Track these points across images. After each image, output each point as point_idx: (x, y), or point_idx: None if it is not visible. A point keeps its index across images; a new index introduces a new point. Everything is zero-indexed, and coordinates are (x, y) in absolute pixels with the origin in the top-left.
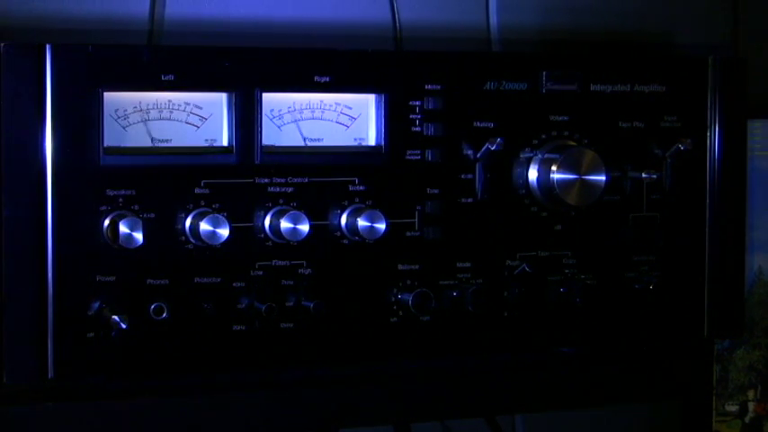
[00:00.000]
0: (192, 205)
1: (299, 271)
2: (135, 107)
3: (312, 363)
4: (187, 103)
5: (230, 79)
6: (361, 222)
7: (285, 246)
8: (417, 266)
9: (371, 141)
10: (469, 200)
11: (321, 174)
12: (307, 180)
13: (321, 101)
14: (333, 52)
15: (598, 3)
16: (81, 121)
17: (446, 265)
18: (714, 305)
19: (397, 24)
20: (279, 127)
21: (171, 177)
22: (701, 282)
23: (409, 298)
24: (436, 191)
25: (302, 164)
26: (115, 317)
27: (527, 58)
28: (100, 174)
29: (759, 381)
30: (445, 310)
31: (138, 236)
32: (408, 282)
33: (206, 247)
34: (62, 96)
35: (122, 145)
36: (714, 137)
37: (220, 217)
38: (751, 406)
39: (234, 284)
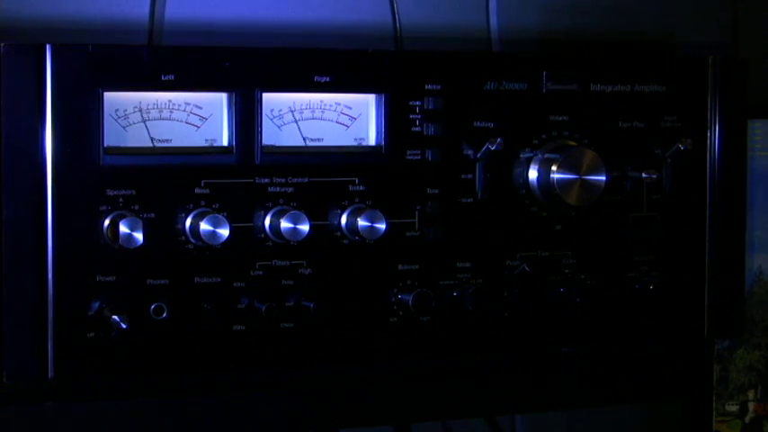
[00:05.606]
0: (192, 205)
1: (299, 271)
2: (135, 107)
3: (312, 363)
4: (187, 103)
5: (230, 79)
6: (361, 222)
7: (285, 246)
8: (417, 266)
9: (371, 141)
10: (469, 200)
11: (321, 174)
12: (307, 180)
13: (321, 101)
14: (333, 52)
15: (598, 3)
16: (81, 121)
17: (446, 265)
18: (714, 305)
19: (397, 24)
20: (279, 127)
21: (171, 177)
22: (701, 282)
23: (409, 298)
24: (436, 191)
25: (302, 164)
26: (115, 317)
27: (527, 58)
28: (100, 174)
29: (759, 381)
30: (445, 310)
31: (138, 236)
32: (408, 282)
33: (206, 247)
34: (62, 96)
35: (122, 145)
36: (714, 137)
37: (220, 217)
38: (751, 406)
39: (234, 284)
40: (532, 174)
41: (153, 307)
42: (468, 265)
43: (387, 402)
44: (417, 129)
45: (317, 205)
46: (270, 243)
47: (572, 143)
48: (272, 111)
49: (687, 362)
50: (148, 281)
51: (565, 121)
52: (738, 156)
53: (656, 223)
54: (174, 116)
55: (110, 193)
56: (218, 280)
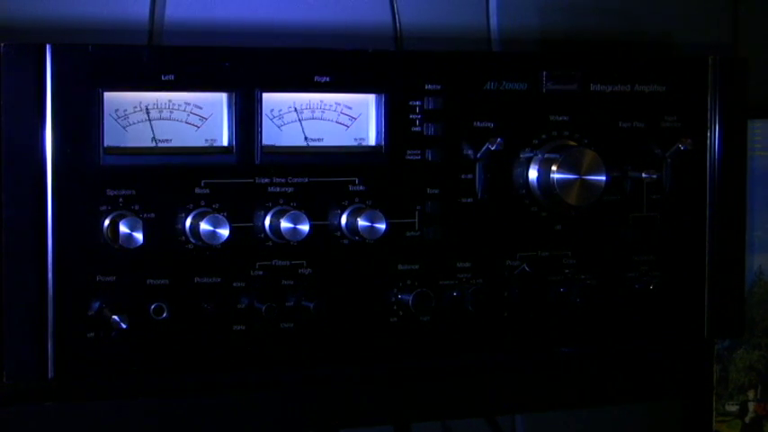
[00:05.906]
0: (192, 205)
1: (299, 271)
2: (135, 107)
3: (312, 363)
4: (187, 103)
5: (230, 79)
6: (361, 222)
7: (285, 246)
8: (417, 266)
9: (371, 141)
10: (469, 200)
11: (321, 174)
12: (307, 180)
13: (321, 101)
14: (333, 52)
15: (598, 3)
16: (81, 121)
17: (446, 265)
18: (714, 305)
19: (398, 24)
20: (279, 127)
21: (171, 177)
22: (701, 282)
23: (409, 298)
24: (436, 191)
25: (302, 164)
26: (115, 317)
27: (527, 58)
28: (100, 174)
29: (759, 381)
30: (445, 310)
31: (138, 236)
32: (408, 282)
33: (206, 247)
34: (62, 96)
35: (122, 145)
36: (714, 137)
37: (220, 217)
38: (751, 406)
39: (234, 284)
40: (532, 174)
41: (153, 307)
42: (468, 265)
43: (387, 402)
44: (417, 129)
45: (316, 205)
46: (270, 243)
47: (572, 143)
48: (272, 111)
49: (687, 362)
50: (148, 281)
51: (565, 121)
52: (738, 156)
53: (656, 223)
54: (174, 116)
55: (110, 193)
56: (218, 280)
